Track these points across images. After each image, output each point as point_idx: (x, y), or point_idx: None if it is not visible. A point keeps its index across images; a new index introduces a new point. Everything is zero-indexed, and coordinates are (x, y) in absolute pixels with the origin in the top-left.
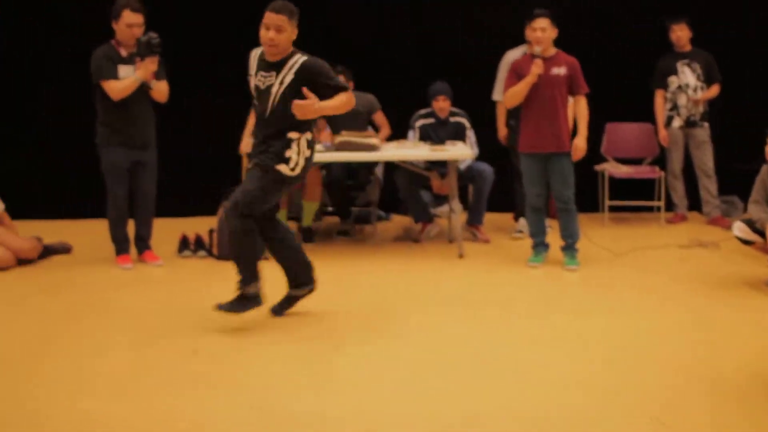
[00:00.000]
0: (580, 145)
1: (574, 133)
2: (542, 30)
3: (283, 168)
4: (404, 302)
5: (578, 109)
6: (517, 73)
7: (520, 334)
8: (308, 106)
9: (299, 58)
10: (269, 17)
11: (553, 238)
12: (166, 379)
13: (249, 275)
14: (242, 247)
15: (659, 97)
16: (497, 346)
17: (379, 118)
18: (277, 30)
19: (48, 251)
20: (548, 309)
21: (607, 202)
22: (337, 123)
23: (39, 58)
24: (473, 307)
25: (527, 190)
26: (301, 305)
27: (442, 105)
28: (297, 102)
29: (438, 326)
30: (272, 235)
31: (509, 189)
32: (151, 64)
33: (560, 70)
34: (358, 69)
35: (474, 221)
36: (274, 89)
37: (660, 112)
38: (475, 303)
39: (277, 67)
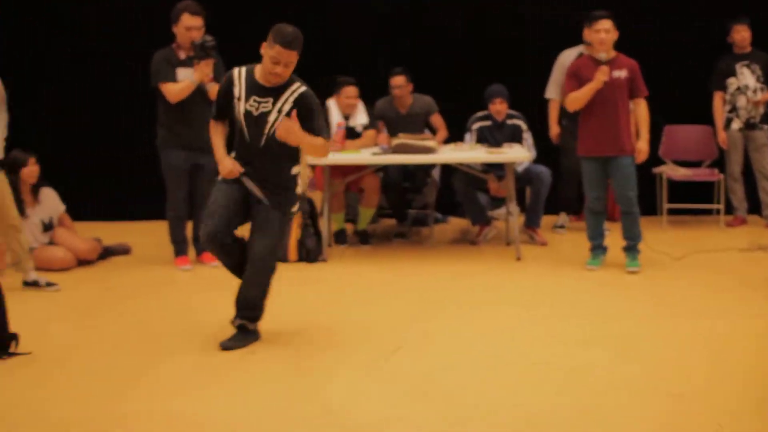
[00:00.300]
0: (643, 148)
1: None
2: (606, 31)
3: (295, 208)
4: (461, 305)
5: (639, 112)
6: (576, 76)
7: (579, 336)
8: (294, 129)
9: (298, 87)
10: (282, 54)
11: (611, 240)
12: (229, 378)
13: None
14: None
15: (718, 99)
16: (556, 349)
17: (437, 120)
18: (286, 66)
19: (107, 252)
20: (609, 311)
21: (666, 205)
22: (394, 125)
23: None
24: (531, 310)
25: (587, 193)
26: (363, 306)
27: (498, 108)
28: (285, 122)
29: (495, 328)
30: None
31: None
32: (205, 67)
33: (621, 73)
34: (417, 71)
35: (531, 223)
36: (271, 117)
37: (719, 114)
38: (533, 305)
39: (275, 93)
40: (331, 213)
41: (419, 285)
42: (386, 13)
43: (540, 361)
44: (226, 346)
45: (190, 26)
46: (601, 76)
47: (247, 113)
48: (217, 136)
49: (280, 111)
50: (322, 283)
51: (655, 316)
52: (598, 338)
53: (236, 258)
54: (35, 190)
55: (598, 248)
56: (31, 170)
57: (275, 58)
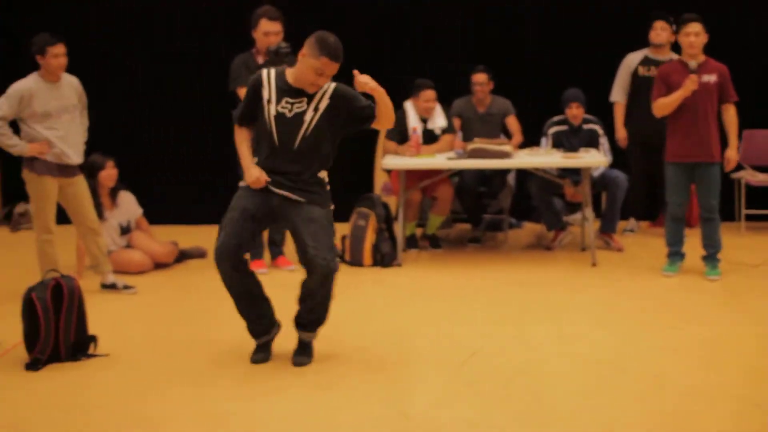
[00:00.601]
0: (732, 156)
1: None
2: (696, 34)
3: (332, 206)
4: (536, 310)
5: (727, 117)
6: (665, 82)
7: (658, 343)
8: (367, 78)
9: (329, 83)
10: (328, 66)
11: (688, 246)
12: (306, 383)
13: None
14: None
15: None
16: (634, 355)
17: (513, 122)
18: (329, 77)
19: (183, 256)
20: (687, 318)
21: (744, 211)
22: (471, 125)
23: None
24: (608, 316)
25: (669, 198)
26: (438, 311)
27: (575, 112)
28: (358, 76)
29: (572, 334)
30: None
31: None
32: None
33: (710, 78)
34: (496, 73)
35: (607, 229)
36: (307, 116)
37: None
38: (610, 312)
39: (308, 92)
40: (406, 221)
41: (493, 290)
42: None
43: (618, 367)
44: (300, 363)
45: (267, 31)
46: (691, 85)
47: (279, 115)
48: (243, 142)
49: (316, 109)
50: (397, 288)
51: (735, 324)
52: (678, 345)
53: (246, 283)
54: (113, 193)
55: (675, 254)
56: (109, 174)
57: (320, 70)
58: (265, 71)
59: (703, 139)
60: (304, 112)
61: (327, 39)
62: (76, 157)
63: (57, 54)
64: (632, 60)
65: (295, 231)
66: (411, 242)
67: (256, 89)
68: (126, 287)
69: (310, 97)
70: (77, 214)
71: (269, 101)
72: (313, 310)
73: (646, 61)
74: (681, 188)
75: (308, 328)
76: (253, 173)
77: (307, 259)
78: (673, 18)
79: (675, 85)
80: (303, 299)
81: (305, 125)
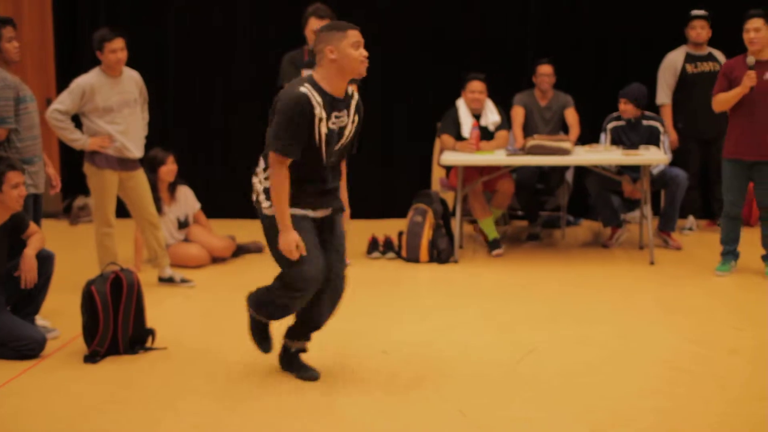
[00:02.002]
0: None
1: None
2: (756, 30)
3: None
4: (594, 308)
5: None
6: (727, 77)
7: (719, 343)
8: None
9: (353, 91)
10: (358, 35)
11: (746, 245)
12: (358, 379)
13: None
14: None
15: None
16: (695, 355)
17: (571, 115)
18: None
19: (241, 250)
20: (749, 319)
21: None
22: (532, 117)
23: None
24: (667, 315)
25: (725, 196)
26: (494, 308)
27: (623, 107)
28: None
29: (630, 333)
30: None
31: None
32: None
33: None
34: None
35: (666, 227)
36: (347, 130)
37: None
38: (669, 311)
39: (346, 103)
40: (480, 218)
41: (551, 287)
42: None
43: (678, 367)
44: (314, 376)
45: (316, 29)
46: (748, 82)
47: (330, 133)
48: (285, 187)
49: (353, 121)
50: (453, 284)
51: None
52: (739, 346)
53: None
54: (172, 188)
55: (729, 254)
56: (169, 169)
57: (357, 43)
58: (304, 90)
59: (762, 137)
60: (345, 126)
61: (331, 15)
62: (136, 151)
63: (114, 49)
64: (675, 59)
65: (328, 247)
66: (494, 245)
67: (309, 112)
68: (183, 281)
69: (348, 107)
70: (137, 207)
71: (321, 120)
72: (322, 321)
73: (690, 59)
74: (737, 186)
75: (307, 336)
76: (292, 239)
77: (330, 277)
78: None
79: (737, 80)
80: (308, 313)
81: (344, 138)
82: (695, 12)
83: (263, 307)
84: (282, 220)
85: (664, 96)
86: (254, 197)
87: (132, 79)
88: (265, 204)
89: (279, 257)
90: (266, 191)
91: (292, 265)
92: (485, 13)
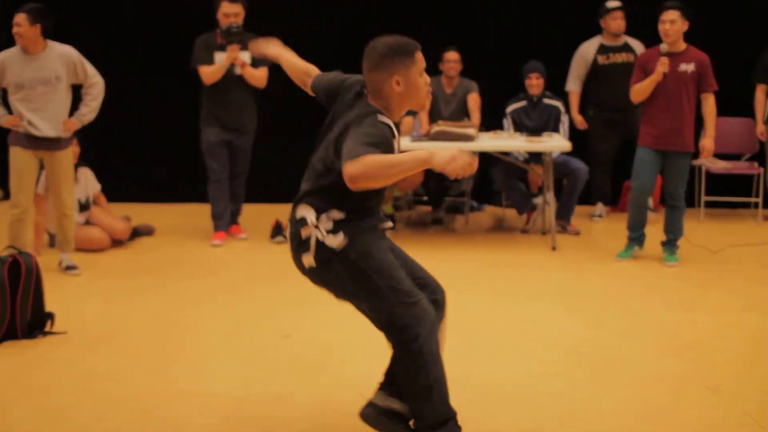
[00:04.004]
0: (707, 146)
1: None
2: (671, 22)
3: None
4: (496, 293)
5: (706, 107)
6: (643, 68)
7: (617, 327)
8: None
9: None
10: (422, 59)
11: (648, 232)
12: (260, 361)
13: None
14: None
15: (760, 92)
16: (594, 340)
17: (473, 100)
18: None
19: (135, 233)
20: (646, 304)
21: (704, 198)
22: (436, 104)
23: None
24: (568, 301)
25: (634, 183)
26: None
27: (534, 82)
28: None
29: (531, 318)
30: None
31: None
32: (231, 51)
33: (689, 67)
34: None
35: (562, 217)
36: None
37: (760, 107)
38: (570, 296)
39: (398, 128)
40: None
41: (454, 272)
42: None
43: (577, 351)
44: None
45: (227, 13)
46: (661, 68)
47: None
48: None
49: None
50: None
51: (693, 310)
52: (636, 330)
53: None
54: (74, 169)
55: (634, 240)
56: (72, 151)
57: (422, 66)
58: (381, 119)
59: (677, 128)
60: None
61: (393, 41)
62: (48, 130)
63: (14, 24)
64: (588, 50)
65: (412, 270)
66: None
67: (390, 143)
68: (69, 267)
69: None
70: (51, 191)
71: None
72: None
73: (603, 50)
74: (648, 174)
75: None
76: (452, 153)
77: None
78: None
79: (653, 71)
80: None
81: None
82: (612, 3)
83: (430, 405)
84: (415, 155)
85: (572, 84)
86: (311, 248)
87: (59, 57)
88: (332, 240)
89: (382, 296)
90: (333, 229)
91: (395, 303)
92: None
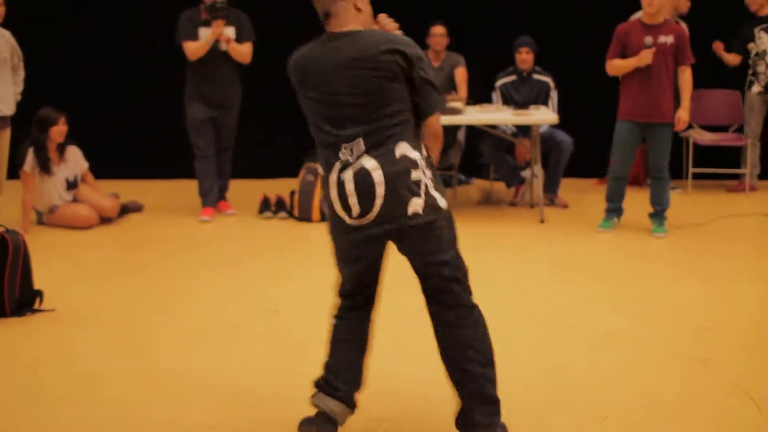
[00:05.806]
0: (683, 117)
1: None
2: None
3: None
4: (485, 266)
5: (682, 79)
6: (621, 40)
7: (605, 300)
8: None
9: None
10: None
11: (637, 204)
12: (248, 336)
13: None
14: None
15: (733, 59)
16: (582, 312)
17: (460, 74)
18: None
19: (123, 210)
20: (634, 276)
21: (691, 170)
22: None
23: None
24: (557, 273)
25: (614, 156)
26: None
27: (524, 57)
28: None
29: (520, 290)
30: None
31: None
32: (216, 27)
33: (667, 39)
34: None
35: (549, 190)
36: None
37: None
38: (558, 268)
39: None
40: None
41: None
42: None
43: (565, 323)
44: None
45: None
46: (646, 57)
47: None
48: None
49: None
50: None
51: (680, 281)
52: (624, 302)
53: None
54: (61, 148)
55: (613, 211)
56: (60, 129)
57: None
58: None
59: (656, 100)
60: None
61: None
62: (5, 109)
63: None
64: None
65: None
66: None
67: None
68: None
69: None
70: None
71: None
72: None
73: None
74: (629, 147)
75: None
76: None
77: None
78: None
79: (632, 44)
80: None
81: None
82: None
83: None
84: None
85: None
86: (421, 200)
87: (3, 38)
88: (440, 199)
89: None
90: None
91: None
92: None
